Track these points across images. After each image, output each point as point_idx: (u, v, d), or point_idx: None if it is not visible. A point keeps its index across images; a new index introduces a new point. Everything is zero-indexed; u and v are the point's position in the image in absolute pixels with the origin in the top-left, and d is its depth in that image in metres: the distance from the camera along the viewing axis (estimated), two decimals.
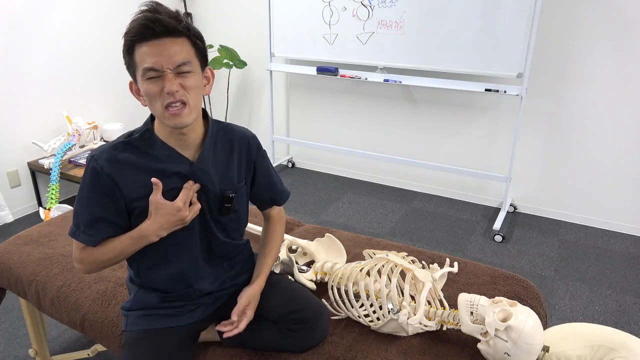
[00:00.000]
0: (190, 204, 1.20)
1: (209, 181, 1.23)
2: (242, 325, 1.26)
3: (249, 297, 1.30)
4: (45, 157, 3.20)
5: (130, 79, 1.16)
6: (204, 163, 1.22)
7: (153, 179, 1.14)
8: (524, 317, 1.21)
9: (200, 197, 1.23)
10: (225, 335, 1.26)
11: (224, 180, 1.27)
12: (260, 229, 1.87)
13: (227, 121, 1.21)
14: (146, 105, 1.14)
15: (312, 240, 1.75)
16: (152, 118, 1.21)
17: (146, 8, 1.08)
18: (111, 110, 3.67)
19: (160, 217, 1.15)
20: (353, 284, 1.45)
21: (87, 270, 1.22)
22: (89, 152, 3.27)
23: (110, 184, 1.14)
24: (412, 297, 1.50)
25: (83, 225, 1.17)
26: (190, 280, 1.29)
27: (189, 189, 1.18)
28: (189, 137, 1.19)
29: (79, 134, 3.20)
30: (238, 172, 1.30)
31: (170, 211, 1.15)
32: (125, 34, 1.08)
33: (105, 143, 1.27)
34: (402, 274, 1.63)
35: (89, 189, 1.15)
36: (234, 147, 1.29)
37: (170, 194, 1.18)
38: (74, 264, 1.22)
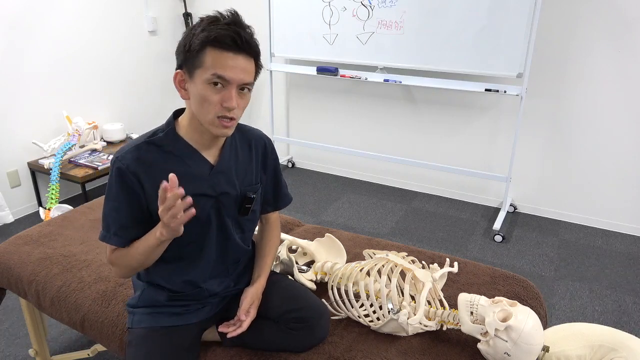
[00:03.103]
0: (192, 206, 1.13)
1: (228, 183, 1.24)
2: (246, 325, 1.26)
3: (252, 297, 1.31)
4: (45, 157, 3.20)
5: (175, 69, 1.15)
6: (224, 165, 1.24)
7: (188, 199, 1.03)
8: (524, 317, 1.21)
9: (219, 199, 1.24)
10: (229, 336, 1.26)
11: (245, 180, 1.29)
12: None
13: None
14: (187, 99, 1.15)
15: (312, 240, 1.75)
16: (174, 117, 1.22)
17: (230, 18, 1.09)
18: (111, 110, 3.67)
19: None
20: (353, 284, 1.45)
21: (122, 273, 1.20)
22: (89, 152, 3.27)
23: (135, 182, 1.15)
24: (412, 297, 1.50)
25: (114, 227, 1.16)
26: (201, 280, 1.29)
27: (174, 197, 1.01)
28: (217, 141, 1.22)
29: (79, 134, 3.20)
30: (256, 172, 1.32)
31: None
32: (207, 34, 1.06)
33: (125, 144, 1.26)
34: (402, 274, 1.63)
35: (117, 190, 1.15)
36: (251, 147, 1.32)
37: (193, 199, 1.17)
38: (110, 268, 1.18)
